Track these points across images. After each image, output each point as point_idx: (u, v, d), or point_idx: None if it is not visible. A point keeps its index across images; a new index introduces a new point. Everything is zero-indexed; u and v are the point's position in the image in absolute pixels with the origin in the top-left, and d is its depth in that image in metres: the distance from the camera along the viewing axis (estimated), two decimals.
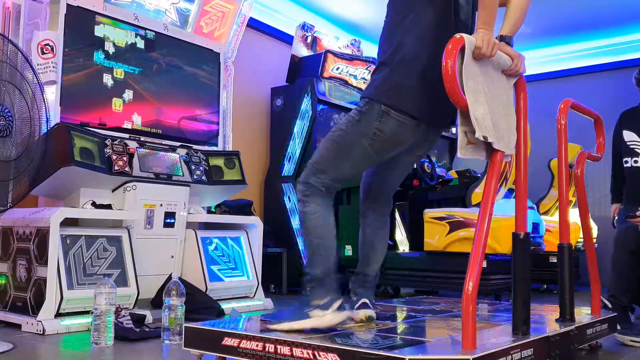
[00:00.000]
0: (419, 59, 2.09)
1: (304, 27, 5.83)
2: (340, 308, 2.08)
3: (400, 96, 2.08)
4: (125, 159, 3.62)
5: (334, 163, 2.15)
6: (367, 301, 2.32)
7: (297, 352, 1.84)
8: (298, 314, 2.11)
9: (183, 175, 3.93)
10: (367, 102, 2.13)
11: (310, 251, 2.13)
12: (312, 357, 1.80)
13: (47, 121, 2.85)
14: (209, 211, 4.48)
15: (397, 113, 2.08)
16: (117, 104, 3.88)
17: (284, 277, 5.26)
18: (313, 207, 2.13)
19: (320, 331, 2.01)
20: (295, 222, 5.40)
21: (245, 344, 1.97)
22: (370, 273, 2.39)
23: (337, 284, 2.12)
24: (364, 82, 6.02)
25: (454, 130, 7.52)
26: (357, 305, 2.30)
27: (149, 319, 3.27)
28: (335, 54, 5.73)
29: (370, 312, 2.28)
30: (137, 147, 3.76)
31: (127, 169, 3.62)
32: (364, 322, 2.25)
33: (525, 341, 1.95)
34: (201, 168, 4.07)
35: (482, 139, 1.89)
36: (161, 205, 3.77)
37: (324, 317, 2.04)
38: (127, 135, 3.83)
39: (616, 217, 3.83)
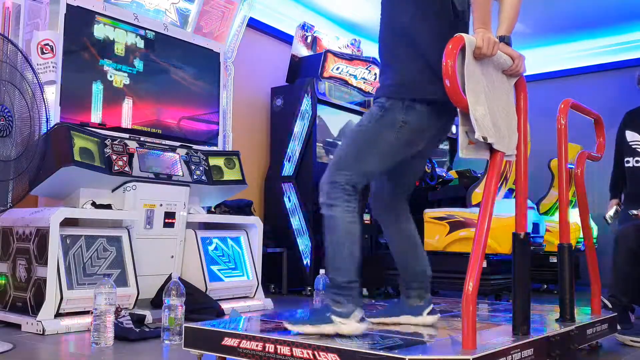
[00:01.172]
0: (425, 49, 2.09)
1: (304, 27, 5.82)
2: (362, 320, 2.01)
3: (420, 87, 2.08)
4: (125, 159, 3.62)
5: (359, 158, 2.10)
6: (432, 306, 2.31)
7: (297, 352, 1.84)
8: (319, 317, 2.02)
9: (183, 175, 3.93)
10: (388, 99, 2.11)
11: (335, 257, 2.05)
12: (312, 357, 1.80)
13: (47, 121, 2.85)
14: (209, 211, 4.48)
15: (421, 105, 2.07)
16: (117, 104, 3.88)
17: (284, 277, 5.25)
18: (339, 212, 2.04)
19: (344, 337, 1.94)
20: (295, 222, 5.40)
21: (245, 344, 1.97)
22: (427, 269, 2.35)
23: (360, 291, 2.08)
24: (364, 82, 6.01)
25: (454, 130, 7.51)
26: (428, 310, 2.28)
27: (149, 319, 3.28)
28: (335, 54, 5.72)
29: (438, 318, 2.30)
30: (137, 147, 3.76)
31: (127, 169, 3.62)
32: (431, 326, 2.25)
33: (525, 341, 1.95)
34: (201, 168, 4.07)
35: (481, 139, 1.89)
36: (161, 205, 3.77)
37: (347, 325, 1.97)
38: (127, 135, 3.83)
39: (610, 214, 3.83)
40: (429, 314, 2.29)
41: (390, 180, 2.35)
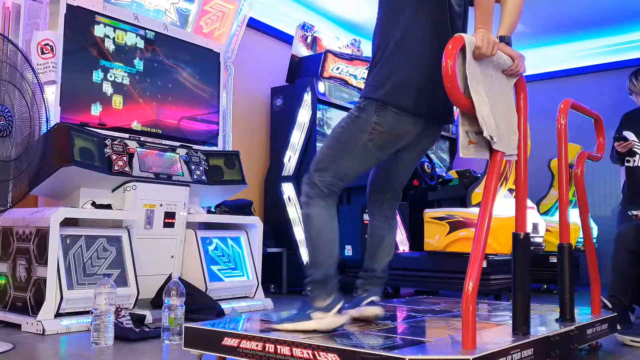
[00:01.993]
0: (414, 54, 2.10)
1: (304, 27, 5.82)
2: (341, 310, 2.08)
3: (397, 92, 2.08)
4: (125, 159, 3.62)
5: (335, 160, 2.14)
6: (376, 299, 2.31)
7: (297, 352, 1.84)
8: (299, 314, 2.11)
9: (183, 175, 3.93)
10: (365, 99, 2.14)
11: (313, 253, 2.12)
12: (312, 357, 1.80)
13: (47, 121, 2.85)
14: (209, 211, 4.48)
15: (394, 108, 2.08)
16: (117, 103, 3.88)
17: (284, 277, 5.26)
18: (316, 210, 2.11)
19: (322, 332, 2.01)
20: (295, 222, 5.40)
21: (245, 344, 1.97)
22: (377, 268, 2.36)
23: (338, 286, 2.13)
24: (364, 82, 6.00)
25: (454, 130, 7.54)
26: (365, 302, 2.29)
27: (149, 319, 3.28)
28: (335, 54, 5.72)
29: (378, 311, 2.28)
30: (137, 147, 3.76)
31: (127, 169, 3.62)
32: (370, 320, 2.25)
33: (525, 341, 1.95)
34: (201, 168, 4.07)
35: (489, 138, 1.88)
36: (161, 205, 3.77)
37: (326, 319, 2.05)
38: (127, 135, 3.83)
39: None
40: (365, 305, 2.29)
41: (382, 169, 2.38)
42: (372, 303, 2.29)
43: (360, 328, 2.16)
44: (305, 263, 2.18)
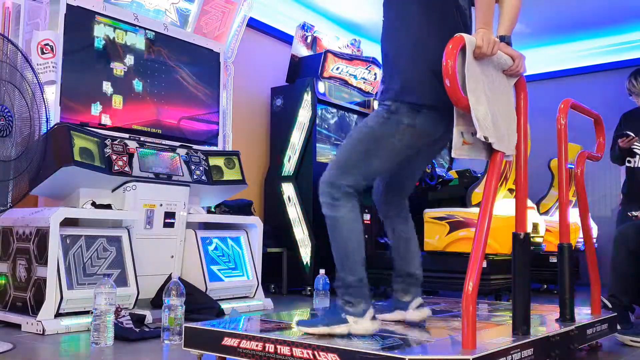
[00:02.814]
0: (433, 55, 2.07)
1: (304, 27, 5.82)
2: (374, 318, 2.05)
3: (427, 93, 2.08)
4: (125, 159, 3.62)
5: (362, 161, 2.11)
6: (421, 300, 2.33)
7: (297, 352, 1.84)
8: (333, 318, 2.03)
9: (183, 175, 3.93)
10: (394, 102, 2.12)
11: (343, 257, 2.07)
12: (312, 357, 1.80)
13: (47, 121, 2.85)
14: (209, 211, 4.48)
15: (428, 109, 2.08)
16: (117, 103, 3.88)
17: (284, 277, 5.26)
18: (344, 212, 2.07)
19: (357, 337, 1.97)
20: (295, 222, 5.39)
21: (245, 344, 1.97)
22: (414, 270, 2.36)
23: (369, 291, 2.10)
24: (364, 82, 6.01)
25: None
26: (416, 305, 2.31)
27: (149, 319, 3.27)
28: (335, 54, 5.72)
29: (429, 312, 2.32)
30: (137, 147, 3.76)
31: (127, 169, 3.62)
32: (422, 321, 2.28)
33: (525, 341, 1.95)
34: (201, 168, 4.07)
35: (483, 139, 1.89)
36: (161, 205, 3.77)
37: (362, 323, 2.01)
38: (127, 135, 3.83)
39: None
40: (416, 308, 2.31)
41: (391, 179, 2.38)
42: (422, 305, 2.32)
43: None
44: (334, 264, 2.13)
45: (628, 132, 3.69)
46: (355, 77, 5.93)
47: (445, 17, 2.13)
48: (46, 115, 2.83)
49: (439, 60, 1.97)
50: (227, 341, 2.02)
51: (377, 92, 6.04)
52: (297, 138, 5.53)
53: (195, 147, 4.21)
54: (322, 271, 3.84)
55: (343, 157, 2.14)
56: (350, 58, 5.89)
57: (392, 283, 2.40)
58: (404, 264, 2.37)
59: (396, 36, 2.20)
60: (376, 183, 2.42)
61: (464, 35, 1.91)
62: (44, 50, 3.50)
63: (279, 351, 1.88)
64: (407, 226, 2.41)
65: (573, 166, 2.98)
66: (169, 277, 3.11)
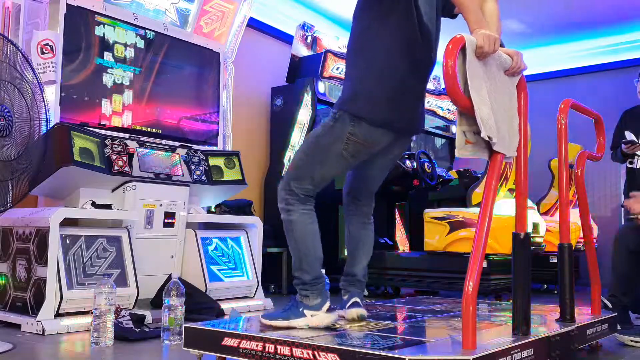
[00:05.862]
0: (384, 68, 2.18)
1: (304, 26, 5.82)
2: (331, 309, 2.19)
3: (369, 106, 2.17)
4: (125, 159, 3.62)
5: (311, 167, 2.23)
6: (358, 300, 2.37)
7: (297, 352, 1.84)
8: (291, 312, 2.18)
9: (183, 175, 3.93)
10: (339, 110, 2.21)
11: (298, 258, 2.21)
12: (312, 357, 1.80)
13: (46, 121, 2.85)
14: (209, 211, 4.48)
15: (366, 122, 2.16)
16: (117, 103, 3.88)
17: (284, 277, 5.25)
18: (297, 216, 2.21)
19: (315, 329, 2.09)
20: None
21: (245, 344, 1.97)
22: (358, 272, 2.44)
23: (325, 286, 2.23)
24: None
25: (454, 129, 7.52)
26: (349, 304, 2.36)
27: (149, 319, 3.27)
28: (335, 54, 5.72)
29: (362, 311, 2.34)
30: (137, 147, 3.75)
31: (127, 169, 3.61)
32: (355, 320, 2.31)
33: (525, 341, 1.95)
34: (201, 168, 4.07)
35: (487, 139, 1.88)
36: (161, 205, 3.77)
37: (317, 316, 2.15)
38: (127, 135, 3.83)
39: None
40: (348, 307, 2.35)
41: (350, 184, 2.49)
42: (354, 304, 2.36)
43: (361, 328, 2.17)
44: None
45: (634, 139, 3.68)
46: None
47: (402, 33, 2.18)
48: (46, 115, 2.83)
49: (395, 76, 2.11)
50: (227, 341, 2.02)
51: None
52: (297, 138, 5.53)
53: (195, 147, 4.21)
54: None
55: (295, 163, 2.28)
56: None
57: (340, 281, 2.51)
58: (350, 263, 2.47)
59: (354, 48, 2.28)
60: (346, 179, 2.52)
61: (464, 34, 1.91)
62: (44, 50, 3.50)
63: (279, 351, 1.88)
64: (364, 230, 2.48)
65: (573, 166, 2.97)
66: (169, 277, 3.10)
